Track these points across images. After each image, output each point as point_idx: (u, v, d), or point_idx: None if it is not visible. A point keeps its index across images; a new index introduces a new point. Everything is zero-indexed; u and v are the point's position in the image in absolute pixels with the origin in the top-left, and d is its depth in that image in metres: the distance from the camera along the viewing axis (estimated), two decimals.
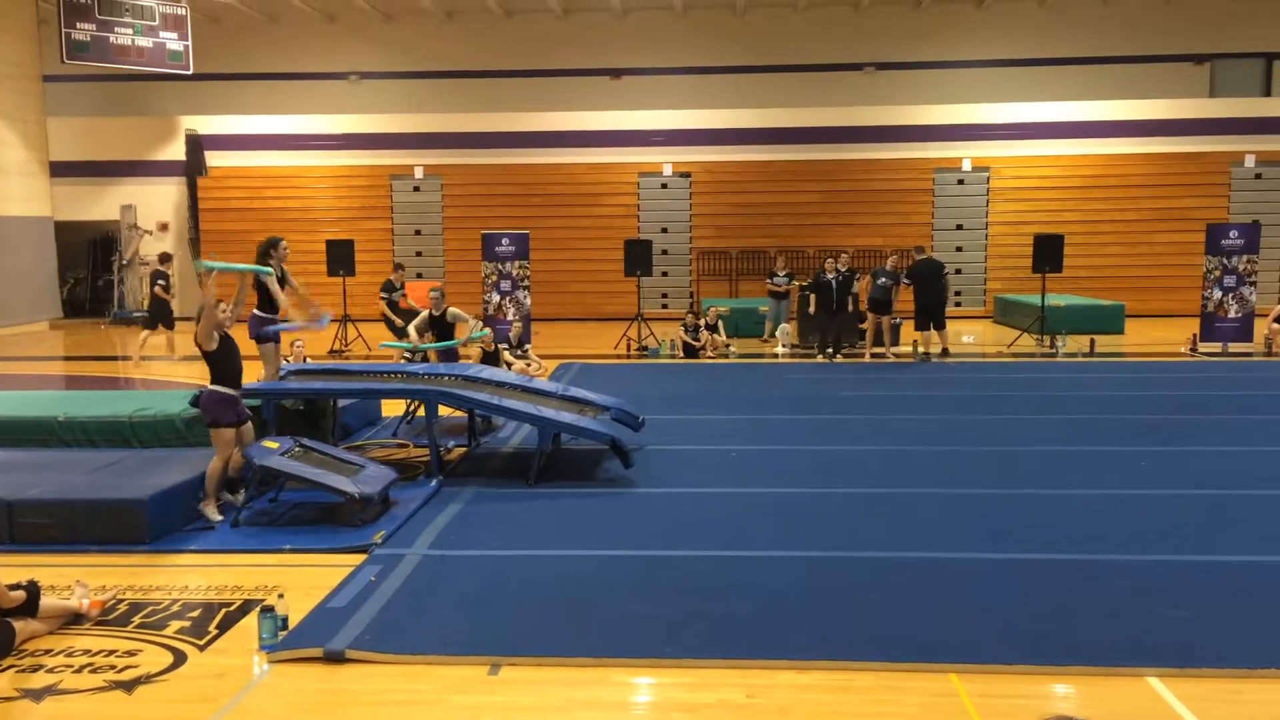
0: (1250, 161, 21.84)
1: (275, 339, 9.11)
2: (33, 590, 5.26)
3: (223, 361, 7.26)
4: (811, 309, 15.76)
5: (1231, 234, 16.49)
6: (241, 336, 7.71)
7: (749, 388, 13.07)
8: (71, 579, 5.71)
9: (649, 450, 9.21)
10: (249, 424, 7.49)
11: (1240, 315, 16.21)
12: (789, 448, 9.50)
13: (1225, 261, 16.27)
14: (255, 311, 8.88)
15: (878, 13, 22.77)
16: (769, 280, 17.86)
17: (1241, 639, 5.03)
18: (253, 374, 8.24)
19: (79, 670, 4.90)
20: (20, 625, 5.16)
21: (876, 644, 5.00)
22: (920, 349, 15.42)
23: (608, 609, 5.52)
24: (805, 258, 21.52)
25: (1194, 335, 16.24)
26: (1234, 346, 15.91)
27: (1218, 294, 16.28)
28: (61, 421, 8.46)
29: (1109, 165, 22.00)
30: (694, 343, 15.92)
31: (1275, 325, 15.63)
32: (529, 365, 13.41)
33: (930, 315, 15.47)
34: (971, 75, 22.90)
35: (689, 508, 7.55)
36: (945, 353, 15.50)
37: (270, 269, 8.60)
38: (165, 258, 17.59)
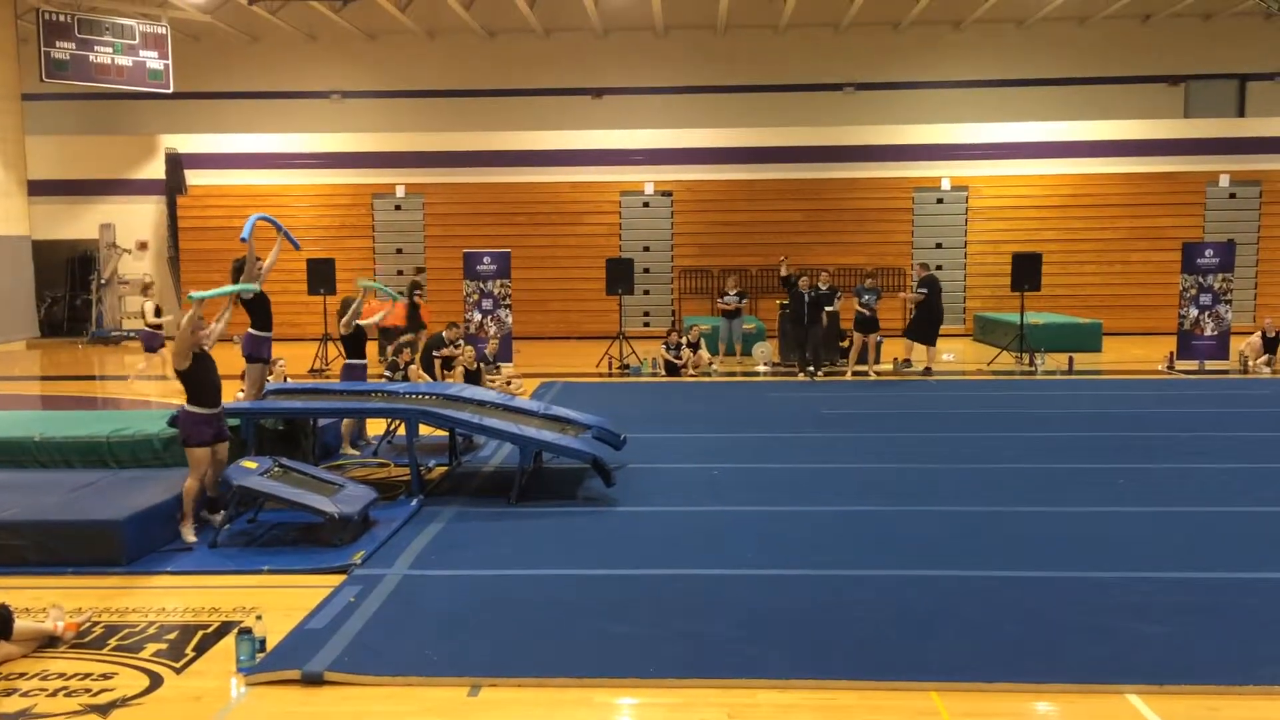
0: (1225, 181, 22.08)
1: (266, 359, 9.09)
2: (3, 613, 5.20)
3: (198, 380, 7.19)
4: (782, 307, 15.81)
5: (1207, 253, 16.66)
6: (222, 356, 7.67)
7: (731, 406, 13.08)
8: (47, 601, 5.66)
9: (631, 469, 9.20)
10: (226, 444, 7.44)
11: (1216, 333, 16.36)
12: (771, 466, 9.51)
13: (1201, 280, 16.43)
14: (250, 331, 8.86)
15: (857, 34, 22.96)
16: (720, 299, 17.95)
17: (1219, 655, 5.06)
18: (226, 394, 8.19)
19: (54, 694, 4.84)
20: None
21: (858, 662, 5.00)
22: (916, 362, 15.70)
23: (589, 629, 5.50)
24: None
25: (1171, 353, 16.37)
26: (1210, 364, 16.04)
27: (1194, 312, 16.43)
28: (38, 442, 8.37)
29: (1086, 185, 22.21)
30: (676, 361, 15.93)
31: (1255, 340, 15.79)
32: (508, 385, 13.39)
33: (933, 329, 15.79)
34: (950, 95, 23.11)
35: (671, 526, 7.54)
36: (928, 370, 15.62)
37: (255, 286, 8.56)
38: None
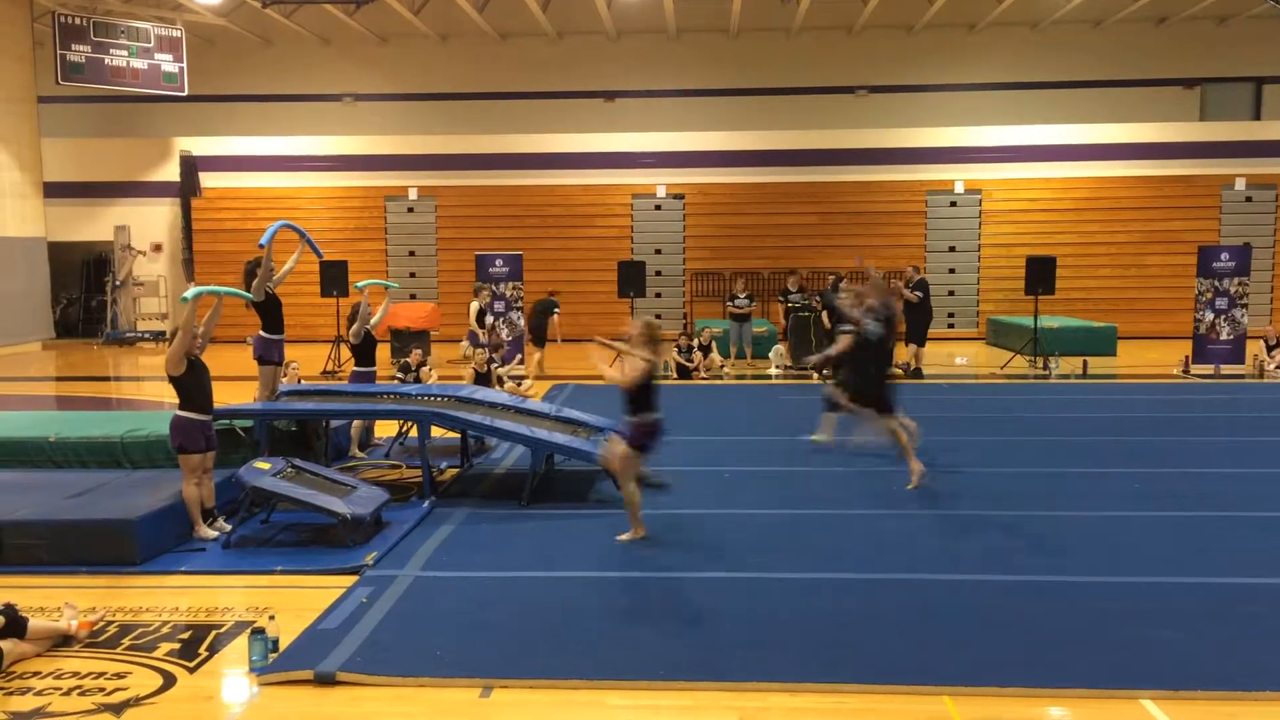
0: (1240, 184, 21.97)
1: (278, 361, 9.13)
2: (9, 613, 5.22)
3: (191, 386, 7.17)
4: (827, 324, 15.51)
5: (1223, 256, 16.56)
6: (213, 361, 7.67)
7: (742, 409, 13.06)
8: (61, 600, 5.68)
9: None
10: (213, 452, 7.38)
11: (1232, 337, 16.25)
12: (783, 469, 9.48)
13: (1217, 284, 16.33)
14: (261, 333, 8.93)
15: (870, 36, 22.92)
16: (730, 303, 17.88)
17: (1235, 661, 5.02)
18: (239, 395, 8.21)
19: (67, 693, 4.86)
20: (9, 646, 5.12)
21: (870, 666, 4.99)
22: (911, 364, 15.71)
23: (600, 630, 5.49)
24: (797, 279, 21.54)
25: (1186, 357, 16.28)
26: (1226, 368, 15.94)
27: (1209, 316, 16.33)
28: (52, 442, 8.43)
29: (1100, 188, 22.12)
30: (687, 364, 15.91)
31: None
32: (519, 386, 13.40)
33: (923, 330, 15.92)
34: (963, 98, 23.05)
35: (682, 529, 7.53)
36: (918, 371, 15.67)
37: (250, 295, 8.61)
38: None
